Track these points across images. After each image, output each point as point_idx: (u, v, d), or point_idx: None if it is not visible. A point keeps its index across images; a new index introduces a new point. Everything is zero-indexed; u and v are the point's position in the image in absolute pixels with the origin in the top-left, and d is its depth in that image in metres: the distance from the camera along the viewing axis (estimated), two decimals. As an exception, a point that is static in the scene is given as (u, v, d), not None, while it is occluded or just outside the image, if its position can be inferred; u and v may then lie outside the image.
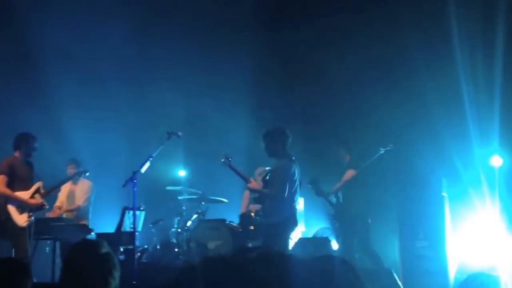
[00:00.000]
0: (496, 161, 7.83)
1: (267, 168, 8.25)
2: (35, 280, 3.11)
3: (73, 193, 7.70)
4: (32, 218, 6.24)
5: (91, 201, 7.82)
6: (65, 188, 7.74)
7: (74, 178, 7.65)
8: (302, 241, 7.72)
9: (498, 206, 7.16)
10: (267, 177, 6.21)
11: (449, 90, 8.45)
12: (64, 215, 7.41)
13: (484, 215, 7.49)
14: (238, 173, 6.53)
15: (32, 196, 6.31)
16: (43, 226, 6.30)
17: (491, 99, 8.27)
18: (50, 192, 6.67)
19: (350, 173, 7.57)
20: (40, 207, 6.37)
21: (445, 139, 8.27)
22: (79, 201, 7.65)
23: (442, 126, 8.28)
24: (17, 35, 8.82)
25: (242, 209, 8.23)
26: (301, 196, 8.44)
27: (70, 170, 7.70)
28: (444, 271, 6.91)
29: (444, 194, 7.33)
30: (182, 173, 9.19)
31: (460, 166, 8.14)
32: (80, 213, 7.61)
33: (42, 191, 6.39)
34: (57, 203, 7.69)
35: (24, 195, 6.24)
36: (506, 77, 8.19)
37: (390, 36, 8.95)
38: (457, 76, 8.40)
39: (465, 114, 8.32)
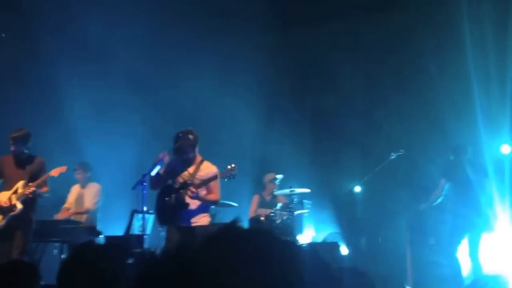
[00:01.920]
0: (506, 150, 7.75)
1: (278, 176, 8.25)
2: (42, 283, 3.07)
3: (82, 196, 7.70)
4: (4, 221, 5.90)
5: (100, 205, 7.80)
6: (74, 191, 7.75)
7: (83, 181, 7.66)
8: (311, 246, 7.68)
9: (509, 211, 7.08)
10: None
11: (461, 96, 8.41)
12: (72, 218, 7.39)
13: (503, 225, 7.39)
14: None
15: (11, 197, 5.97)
16: (51, 228, 6.29)
17: (503, 105, 8.22)
18: (29, 191, 6.00)
19: None
20: (10, 209, 5.92)
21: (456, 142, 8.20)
22: (89, 204, 7.64)
23: (454, 132, 8.21)
24: (28, 34, 8.85)
25: (251, 213, 8.20)
26: (310, 200, 8.43)
27: (78, 175, 7.69)
28: (456, 277, 6.83)
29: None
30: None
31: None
32: (89, 216, 7.60)
33: (20, 191, 6.00)
34: (66, 205, 7.69)
35: (1, 195, 6.02)
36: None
37: (402, 42, 8.91)
38: (469, 81, 8.36)
39: (477, 120, 8.26)
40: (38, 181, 6.02)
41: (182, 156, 5.77)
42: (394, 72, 9.09)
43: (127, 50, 9.05)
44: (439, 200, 7.03)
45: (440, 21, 8.71)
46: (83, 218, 7.43)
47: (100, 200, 7.73)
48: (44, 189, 6.12)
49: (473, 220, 6.65)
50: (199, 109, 9.18)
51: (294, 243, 1.53)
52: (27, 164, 6.13)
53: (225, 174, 5.64)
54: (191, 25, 9.11)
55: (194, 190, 5.58)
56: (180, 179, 5.80)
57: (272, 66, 9.27)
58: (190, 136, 5.74)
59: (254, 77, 9.05)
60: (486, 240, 6.96)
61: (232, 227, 1.39)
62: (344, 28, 9.24)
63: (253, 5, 8.78)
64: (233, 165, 5.64)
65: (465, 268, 6.94)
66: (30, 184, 5.99)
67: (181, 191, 5.70)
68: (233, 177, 5.66)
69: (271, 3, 9.05)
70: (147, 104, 9.18)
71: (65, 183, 7.73)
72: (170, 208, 5.71)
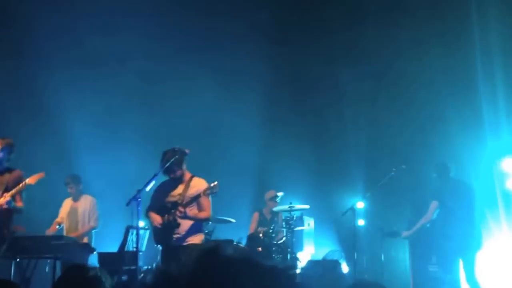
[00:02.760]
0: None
1: (278, 194, 8.16)
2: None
3: (75, 210, 7.56)
4: None
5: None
6: (67, 204, 7.63)
7: (75, 194, 7.56)
8: (311, 264, 7.56)
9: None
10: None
11: (468, 109, 8.32)
12: (64, 233, 7.28)
13: (500, 238, 7.29)
14: None
15: None
16: (43, 245, 6.15)
17: (509, 114, 8.12)
18: (2, 202, 5.80)
19: None
20: None
21: (463, 159, 8.08)
22: (92, 222, 7.50)
23: (460, 146, 8.09)
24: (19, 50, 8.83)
25: (251, 230, 8.10)
26: (310, 216, 8.31)
27: (70, 190, 7.58)
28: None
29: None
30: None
31: (478, 188, 7.95)
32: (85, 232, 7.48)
33: None
34: (58, 219, 7.57)
35: None
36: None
37: (408, 54, 8.83)
38: (477, 95, 8.27)
39: (484, 134, 8.15)
40: (12, 191, 5.86)
41: (170, 175, 5.77)
42: (399, 85, 9.00)
43: (124, 64, 9.02)
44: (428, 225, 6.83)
45: (448, 33, 8.64)
46: (76, 233, 7.30)
47: (99, 214, 7.61)
48: (19, 203, 5.93)
49: (466, 241, 6.45)
50: (198, 124, 9.12)
51: (274, 270, 1.45)
52: (4, 175, 5.97)
53: (207, 192, 5.61)
54: (190, 38, 9.08)
55: (182, 209, 5.59)
56: (171, 199, 5.79)
57: (273, 80, 9.22)
58: (175, 155, 5.71)
59: (255, 91, 9.00)
60: (483, 259, 6.82)
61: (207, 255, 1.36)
62: (347, 40, 9.17)
63: (254, 18, 8.75)
64: (215, 183, 5.63)
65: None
66: (5, 194, 5.84)
67: (172, 211, 5.69)
68: (215, 194, 5.67)
69: (272, 16, 9.02)
70: (144, 118, 9.14)
71: (57, 197, 7.67)
72: (163, 228, 5.72)
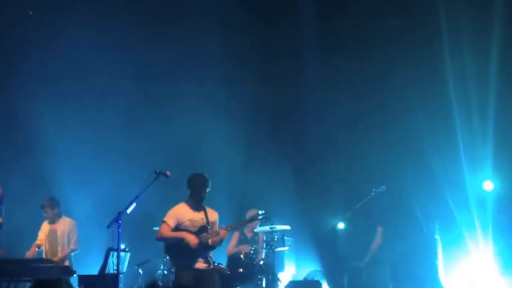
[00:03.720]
0: (488, 187, 7.90)
1: (260, 212, 8.27)
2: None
3: (54, 232, 7.60)
4: None
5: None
6: (45, 227, 7.67)
7: (52, 218, 7.61)
8: (292, 284, 7.64)
9: (491, 249, 7.14)
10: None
11: (443, 131, 8.55)
12: (44, 256, 7.31)
13: (478, 258, 7.46)
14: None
15: None
16: (23, 268, 6.17)
17: (484, 136, 8.36)
18: None
19: None
20: None
21: (439, 179, 8.30)
22: (73, 244, 7.55)
23: (437, 167, 8.32)
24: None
25: (229, 249, 8.15)
26: (291, 237, 8.42)
27: (46, 214, 7.62)
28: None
29: (436, 237, 7.30)
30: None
31: (454, 207, 8.16)
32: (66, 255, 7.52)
33: None
34: (37, 241, 7.61)
35: None
36: (498, 110, 8.28)
37: (384, 76, 9.07)
38: (452, 117, 8.50)
39: (460, 156, 8.38)
40: None
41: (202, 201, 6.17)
42: (377, 107, 9.20)
43: (107, 85, 9.13)
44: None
45: (422, 54, 8.88)
46: (57, 257, 7.34)
47: (78, 237, 7.65)
48: None
49: (421, 253, 6.61)
50: (180, 147, 9.22)
51: None
52: None
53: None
54: (172, 61, 9.24)
55: (212, 233, 6.02)
56: (196, 223, 6.07)
57: (252, 100, 9.37)
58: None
59: (234, 111, 9.14)
60: (474, 282, 6.99)
61: None
62: (325, 62, 9.40)
63: (234, 42, 8.93)
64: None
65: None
66: None
67: (203, 234, 6.01)
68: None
69: (250, 42, 9.22)
70: (125, 140, 9.20)
71: (35, 219, 7.70)
72: (197, 249, 5.95)
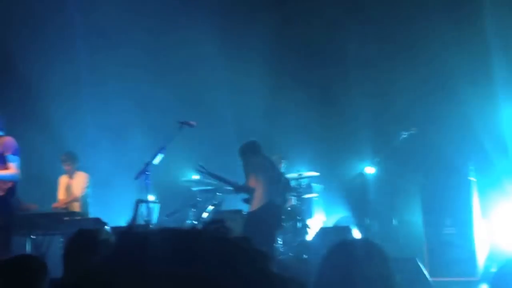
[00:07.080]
0: None
1: (283, 160, 8.41)
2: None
3: (70, 187, 7.97)
4: None
5: (88, 192, 8.05)
6: (63, 182, 8.04)
7: (71, 172, 7.94)
8: (323, 231, 7.86)
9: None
10: None
11: (479, 64, 8.29)
12: (71, 209, 7.68)
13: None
14: (219, 179, 7.08)
15: None
16: (55, 221, 6.47)
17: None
18: None
19: None
20: None
21: (475, 119, 8.21)
22: (76, 192, 7.91)
23: (471, 104, 8.21)
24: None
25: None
26: (320, 184, 8.59)
27: (67, 167, 7.94)
28: (472, 259, 6.99)
29: (471, 178, 7.37)
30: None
31: (492, 150, 8.09)
32: (81, 204, 7.87)
33: None
34: (60, 196, 8.02)
35: None
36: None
37: (411, 11, 8.92)
38: (487, 48, 8.28)
39: (496, 92, 8.22)
40: None
41: None
42: (405, 44, 9.07)
43: (125, 36, 9.22)
44: None
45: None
46: (76, 207, 7.70)
47: (87, 187, 7.98)
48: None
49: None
50: (203, 90, 9.32)
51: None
52: None
53: None
54: (196, 9, 9.24)
55: None
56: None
57: (276, 42, 9.33)
58: None
59: (258, 54, 9.11)
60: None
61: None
62: (351, 4, 9.28)
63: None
64: None
65: (481, 250, 7.12)
66: None
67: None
68: None
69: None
70: (150, 89, 9.34)
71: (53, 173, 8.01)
72: None
